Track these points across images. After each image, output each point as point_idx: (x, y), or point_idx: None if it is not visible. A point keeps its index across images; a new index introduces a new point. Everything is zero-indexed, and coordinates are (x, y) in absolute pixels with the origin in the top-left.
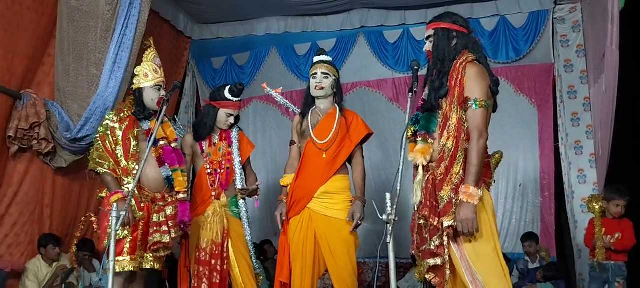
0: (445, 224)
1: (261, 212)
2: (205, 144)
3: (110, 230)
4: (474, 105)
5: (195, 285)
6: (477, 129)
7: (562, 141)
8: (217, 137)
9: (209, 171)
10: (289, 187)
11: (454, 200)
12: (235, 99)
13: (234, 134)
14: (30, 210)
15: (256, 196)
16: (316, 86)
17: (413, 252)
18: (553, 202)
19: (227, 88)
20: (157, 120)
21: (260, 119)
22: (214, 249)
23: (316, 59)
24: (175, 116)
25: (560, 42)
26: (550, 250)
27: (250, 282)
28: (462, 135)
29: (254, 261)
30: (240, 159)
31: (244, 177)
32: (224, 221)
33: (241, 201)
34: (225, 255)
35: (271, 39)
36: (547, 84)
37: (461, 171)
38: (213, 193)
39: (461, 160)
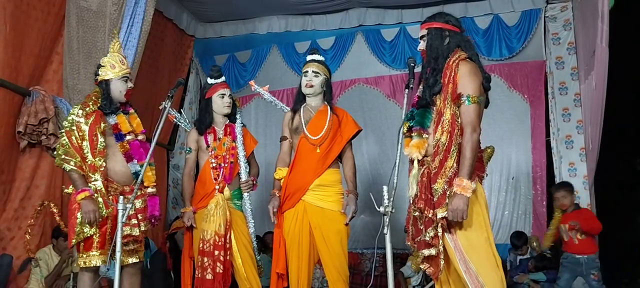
0: (439, 215)
1: (263, 204)
2: (210, 139)
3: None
4: (467, 101)
5: (199, 275)
6: (470, 124)
7: (554, 136)
8: (221, 132)
9: (213, 165)
10: (281, 181)
11: (447, 192)
12: (218, 80)
13: (238, 128)
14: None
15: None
16: (306, 84)
17: (408, 243)
18: (544, 195)
19: (208, 78)
20: (161, 119)
21: (261, 116)
22: (217, 240)
23: (309, 58)
24: (181, 110)
25: (552, 39)
26: (541, 241)
27: (253, 272)
28: (456, 130)
29: (257, 253)
30: (244, 153)
31: (248, 170)
32: (226, 213)
33: (245, 194)
34: (228, 246)
35: (272, 37)
36: (539, 81)
37: (455, 164)
38: (216, 187)
39: (455, 154)
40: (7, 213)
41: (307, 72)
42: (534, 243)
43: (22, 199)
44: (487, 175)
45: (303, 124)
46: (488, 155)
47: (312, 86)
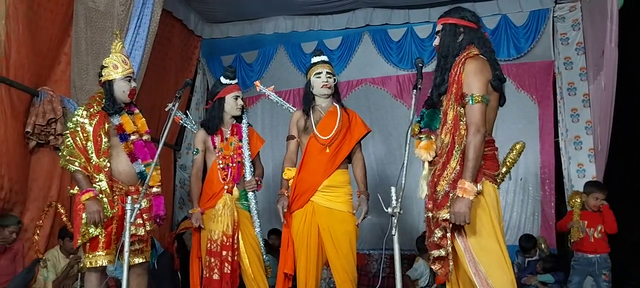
0: (441, 217)
1: (270, 204)
2: (217, 140)
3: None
4: (470, 101)
5: (207, 275)
6: (474, 124)
7: (562, 136)
8: (228, 132)
9: (221, 166)
10: (290, 181)
11: (450, 194)
12: (233, 82)
13: (244, 128)
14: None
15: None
16: (323, 85)
17: (426, 242)
18: (553, 196)
19: (221, 78)
20: (167, 119)
21: (268, 116)
22: (225, 240)
23: (317, 59)
24: (187, 111)
25: (560, 40)
26: (549, 242)
27: (260, 272)
28: (459, 131)
29: (264, 253)
30: (249, 153)
31: (253, 170)
32: (234, 213)
33: (250, 194)
34: (235, 246)
35: (279, 38)
36: (547, 81)
37: (458, 166)
38: (225, 187)
39: (458, 155)
40: (31, 212)
41: (321, 73)
42: (542, 245)
43: (35, 199)
44: (506, 173)
45: (313, 123)
46: (518, 152)
47: (329, 87)
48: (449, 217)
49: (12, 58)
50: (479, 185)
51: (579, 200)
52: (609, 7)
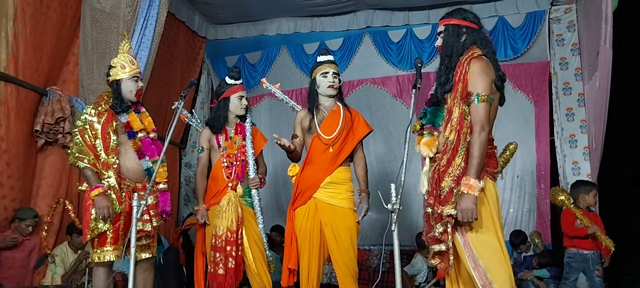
0: (446, 213)
1: (273, 201)
2: (221, 139)
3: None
4: (476, 100)
5: (211, 270)
6: (479, 123)
7: (558, 135)
8: (232, 131)
9: (225, 164)
10: (293, 179)
11: (454, 190)
12: (238, 82)
13: (248, 127)
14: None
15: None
16: (330, 85)
17: (424, 238)
18: (548, 193)
19: (226, 78)
20: (173, 118)
21: (273, 115)
22: (229, 236)
23: (324, 58)
24: (192, 110)
25: (556, 41)
26: (545, 238)
27: (263, 268)
28: (464, 129)
29: (266, 249)
30: (253, 151)
31: (256, 168)
32: (238, 210)
33: (254, 191)
34: (239, 242)
35: (282, 39)
36: (543, 81)
37: (463, 163)
38: (229, 185)
39: (463, 152)
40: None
41: (327, 73)
42: (536, 240)
43: (43, 197)
44: (499, 171)
45: (316, 123)
46: (511, 152)
47: (335, 87)
48: (453, 213)
49: (20, 59)
50: (481, 182)
51: (563, 198)
52: (604, 8)
